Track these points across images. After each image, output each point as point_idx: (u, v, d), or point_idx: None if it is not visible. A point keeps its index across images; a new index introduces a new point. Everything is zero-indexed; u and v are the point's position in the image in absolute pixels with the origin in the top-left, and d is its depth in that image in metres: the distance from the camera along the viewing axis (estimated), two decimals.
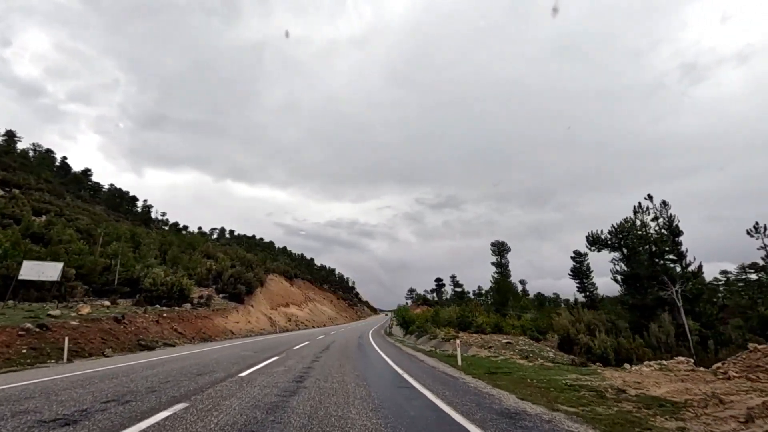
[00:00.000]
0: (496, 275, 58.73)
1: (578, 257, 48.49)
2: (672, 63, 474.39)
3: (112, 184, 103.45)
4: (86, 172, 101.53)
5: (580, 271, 47.93)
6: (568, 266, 48.21)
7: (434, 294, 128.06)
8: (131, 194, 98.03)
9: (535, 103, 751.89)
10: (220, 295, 36.74)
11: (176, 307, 26.17)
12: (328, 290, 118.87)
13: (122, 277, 29.83)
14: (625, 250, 27.91)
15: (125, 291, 28.63)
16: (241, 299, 37.99)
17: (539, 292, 75.14)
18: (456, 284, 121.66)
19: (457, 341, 14.33)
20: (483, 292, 76.32)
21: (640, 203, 28.23)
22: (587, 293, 47.06)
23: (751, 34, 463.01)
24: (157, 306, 25.80)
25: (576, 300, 48.65)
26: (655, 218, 27.39)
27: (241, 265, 48.33)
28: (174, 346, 17.27)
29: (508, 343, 18.06)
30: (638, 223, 27.79)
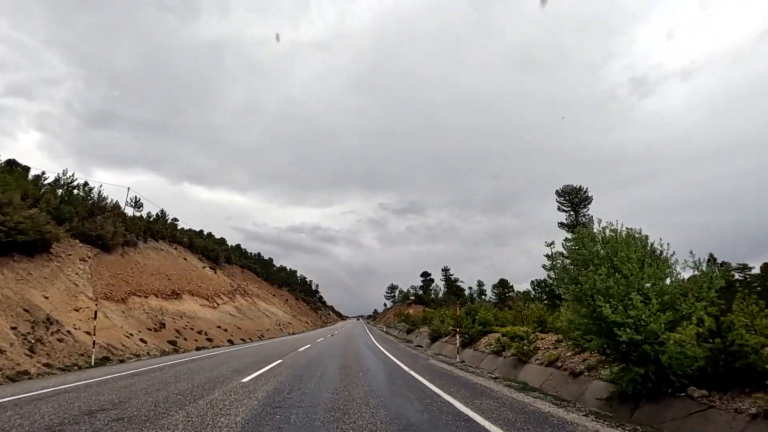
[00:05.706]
0: (569, 244, 34.25)
1: None
2: (623, 76, 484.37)
3: None
4: None
5: None
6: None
7: (421, 291, 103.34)
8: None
9: (496, 111, 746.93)
10: None
11: None
12: (287, 290, 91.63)
13: None
14: None
15: None
16: None
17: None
18: (449, 279, 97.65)
19: None
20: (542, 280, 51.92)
21: None
22: None
23: (694, 52, 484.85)
24: None
25: None
26: None
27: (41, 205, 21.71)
28: None
29: None
30: None
